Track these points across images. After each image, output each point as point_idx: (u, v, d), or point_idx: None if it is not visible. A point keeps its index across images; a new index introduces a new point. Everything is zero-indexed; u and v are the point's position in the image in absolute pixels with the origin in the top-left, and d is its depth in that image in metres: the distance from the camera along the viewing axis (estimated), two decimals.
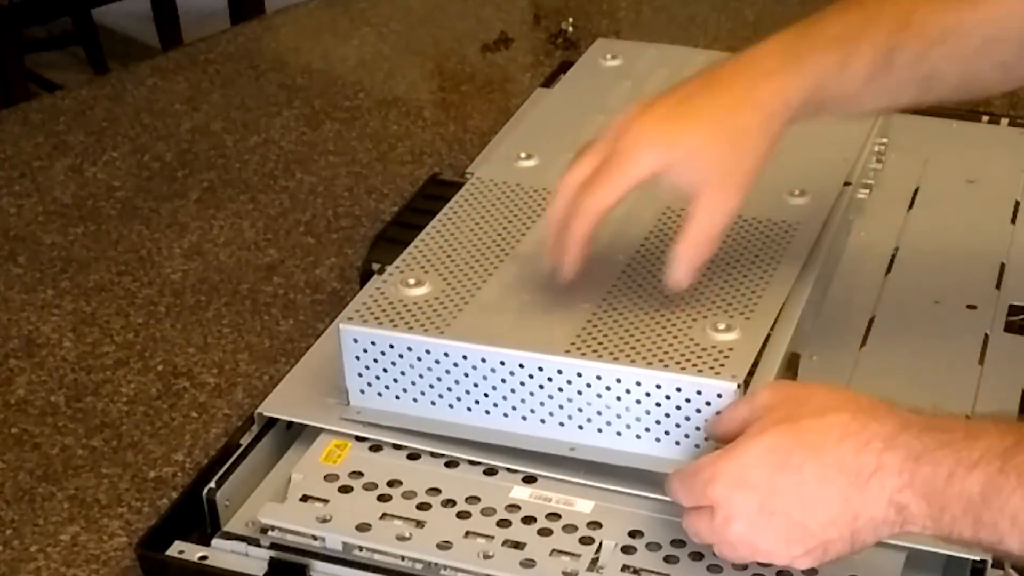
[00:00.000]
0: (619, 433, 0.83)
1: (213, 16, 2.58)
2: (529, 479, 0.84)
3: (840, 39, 0.82)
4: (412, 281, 0.89)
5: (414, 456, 0.85)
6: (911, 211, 1.11)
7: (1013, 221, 1.10)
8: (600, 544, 0.79)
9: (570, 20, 1.54)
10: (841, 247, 1.04)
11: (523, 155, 1.06)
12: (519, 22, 1.58)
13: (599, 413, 0.83)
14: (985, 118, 1.25)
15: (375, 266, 1.01)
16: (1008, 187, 1.14)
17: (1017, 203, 1.12)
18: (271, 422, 0.88)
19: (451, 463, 0.85)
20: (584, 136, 1.09)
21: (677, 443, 0.82)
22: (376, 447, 0.86)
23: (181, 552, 0.81)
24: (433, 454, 0.85)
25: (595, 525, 0.80)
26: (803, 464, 0.70)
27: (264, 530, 0.81)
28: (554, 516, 0.81)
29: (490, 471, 0.84)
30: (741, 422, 0.75)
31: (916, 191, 1.14)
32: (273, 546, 0.80)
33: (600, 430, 0.83)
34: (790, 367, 0.88)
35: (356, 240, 1.18)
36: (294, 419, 0.88)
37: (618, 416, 0.82)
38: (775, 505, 0.71)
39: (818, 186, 1.00)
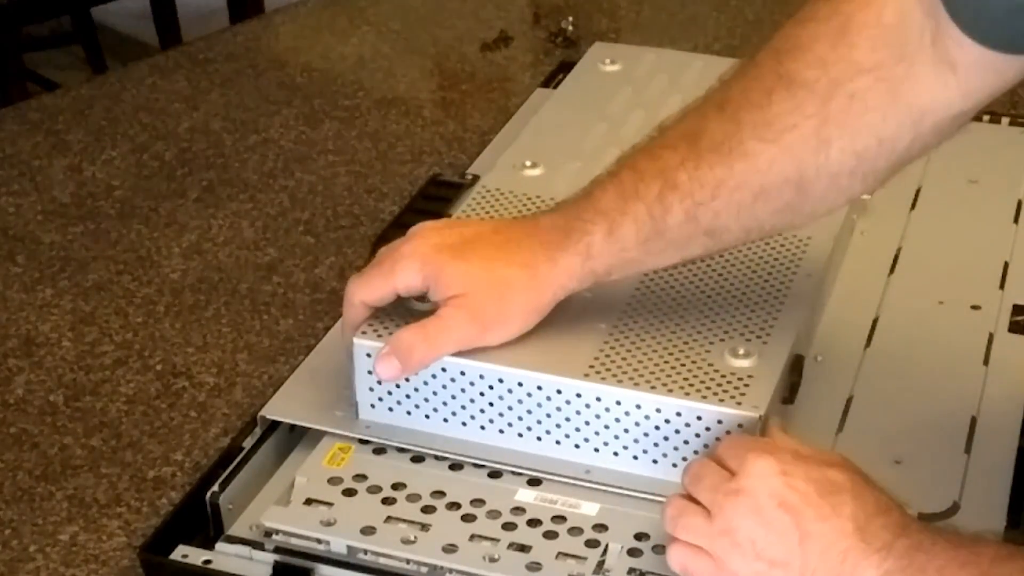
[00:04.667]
0: (635, 457, 0.82)
1: (213, 15, 2.57)
2: (534, 481, 0.83)
3: (607, 211, 0.82)
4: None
5: (418, 459, 0.85)
6: (913, 211, 1.11)
7: (1016, 221, 1.09)
8: (606, 547, 0.78)
9: (570, 19, 1.53)
10: (844, 248, 1.04)
11: (528, 163, 1.05)
12: (519, 21, 1.58)
13: (616, 437, 0.82)
14: (986, 117, 1.24)
15: None
16: (1010, 187, 1.13)
17: (1020, 202, 1.11)
18: (273, 425, 0.87)
19: (456, 466, 0.84)
20: (588, 142, 1.10)
21: None
22: (380, 450, 0.85)
23: (185, 556, 0.81)
24: (437, 457, 0.85)
25: (601, 528, 0.80)
26: (807, 554, 0.70)
27: (268, 534, 0.80)
28: (560, 519, 0.80)
29: (495, 474, 0.84)
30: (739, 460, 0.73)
31: (918, 191, 1.13)
32: (277, 550, 0.80)
33: (616, 453, 0.82)
34: (795, 369, 0.88)
35: (356, 240, 1.17)
36: (297, 422, 0.87)
37: (635, 441, 0.82)
38: (770, 554, 0.71)
39: None
